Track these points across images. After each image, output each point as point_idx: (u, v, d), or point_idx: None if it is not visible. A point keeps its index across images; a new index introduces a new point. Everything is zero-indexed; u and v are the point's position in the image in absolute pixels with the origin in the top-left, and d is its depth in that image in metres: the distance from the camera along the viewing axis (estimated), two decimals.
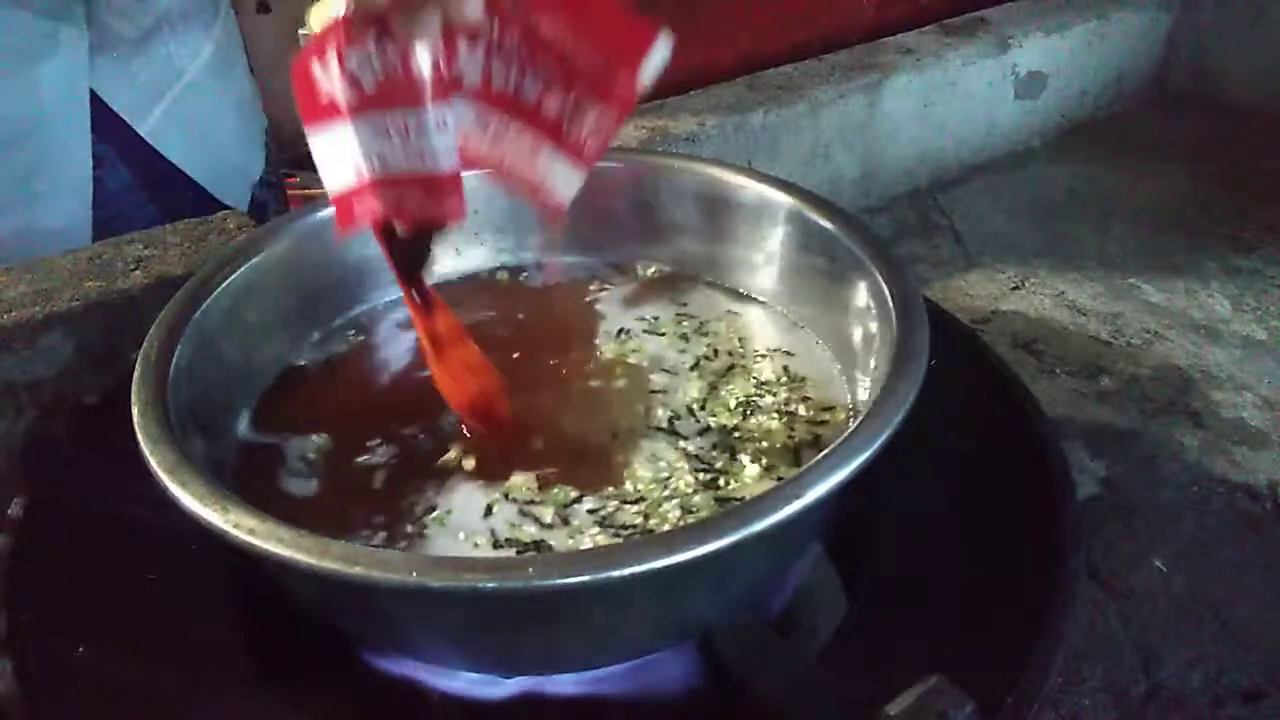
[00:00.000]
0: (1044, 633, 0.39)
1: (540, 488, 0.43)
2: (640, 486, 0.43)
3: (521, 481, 0.43)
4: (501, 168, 0.42)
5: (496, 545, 0.41)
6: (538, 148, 0.42)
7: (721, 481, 0.43)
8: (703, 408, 0.47)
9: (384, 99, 0.40)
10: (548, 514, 0.42)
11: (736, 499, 0.42)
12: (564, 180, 0.42)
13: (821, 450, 0.44)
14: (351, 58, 0.39)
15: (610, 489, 0.43)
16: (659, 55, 0.41)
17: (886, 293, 0.44)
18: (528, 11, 0.40)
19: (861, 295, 0.47)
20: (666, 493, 0.42)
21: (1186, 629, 0.47)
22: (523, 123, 0.42)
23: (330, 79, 0.39)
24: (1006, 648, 0.39)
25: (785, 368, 0.49)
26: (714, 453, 0.44)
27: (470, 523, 0.42)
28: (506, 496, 0.42)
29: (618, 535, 0.40)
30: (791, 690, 0.37)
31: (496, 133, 0.42)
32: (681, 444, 0.44)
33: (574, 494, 0.42)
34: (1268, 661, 0.46)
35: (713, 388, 0.48)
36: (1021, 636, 0.39)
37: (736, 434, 0.45)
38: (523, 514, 0.42)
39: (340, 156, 0.40)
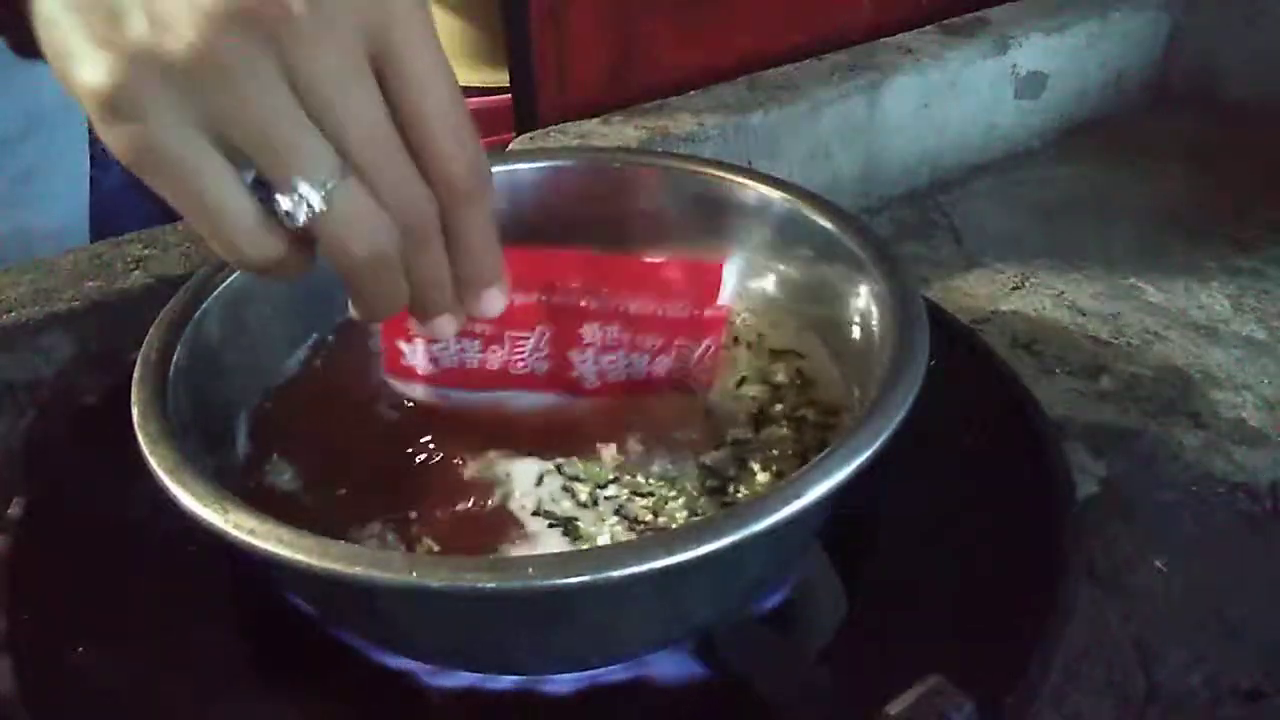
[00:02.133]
0: (1044, 633, 0.39)
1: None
2: (651, 482, 0.43)
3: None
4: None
5: (534, 514, 0.42)
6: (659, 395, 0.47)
7: (730, 489, 0.43)
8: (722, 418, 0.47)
9: (462, 379, 0.46)
10: (584, 491, 0.42)
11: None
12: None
13: None
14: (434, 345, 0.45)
15: (626, 476, 0.43)
16: (730, 278, 0.45)
17: (886, 293, 0.44)
18: (616, 301, 0.45)
19: (861, 295, 0.47)
20: (673, 491, 0.42)
21: (1186, 629, 0.47)
22: (640, 392, 0.47)
23: (414, 353, 0.46)
24: (1006, 648, 0.39)
25: (799, 370, 0.49)
26: (724, 458, 0.44)
27: (524, 488, 0.43)
28: (559, 470, 0.44)
29: (632, 528, 0.41)
30: (791, 690, 0.37)
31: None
32: (700, 458, 0.44)
33: (610, 476, 0.43)
34: (1268, 661, 0.46)
35: (733, 382, 0.48)
36: (1021, 636, 0.39)
37: (750, 445, 0.45)
38: (565, 489, 0.43)
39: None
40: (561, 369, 0.46)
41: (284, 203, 0.31)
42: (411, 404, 0.47)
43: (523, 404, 0.47)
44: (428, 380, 0.47)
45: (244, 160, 0.31)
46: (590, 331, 0.45)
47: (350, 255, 0.33)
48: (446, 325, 0.38)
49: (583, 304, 0.45)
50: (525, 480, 0.43)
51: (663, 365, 0.46)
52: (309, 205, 0.31)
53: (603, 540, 0.40)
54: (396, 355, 0.46)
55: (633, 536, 0.40)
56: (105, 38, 0.29)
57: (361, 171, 0.31)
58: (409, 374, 0.47)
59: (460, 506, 0.42)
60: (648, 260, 0.46)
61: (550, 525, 0.41)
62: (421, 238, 0.34)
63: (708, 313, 0.45)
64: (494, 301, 0.38)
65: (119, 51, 0.29)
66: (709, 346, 0.46)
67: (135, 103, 0.29)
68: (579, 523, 0.41)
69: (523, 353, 0.46)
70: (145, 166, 0.30)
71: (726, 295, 0.45)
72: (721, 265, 0.45)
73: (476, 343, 0.46)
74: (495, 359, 0.46)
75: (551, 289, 0.45)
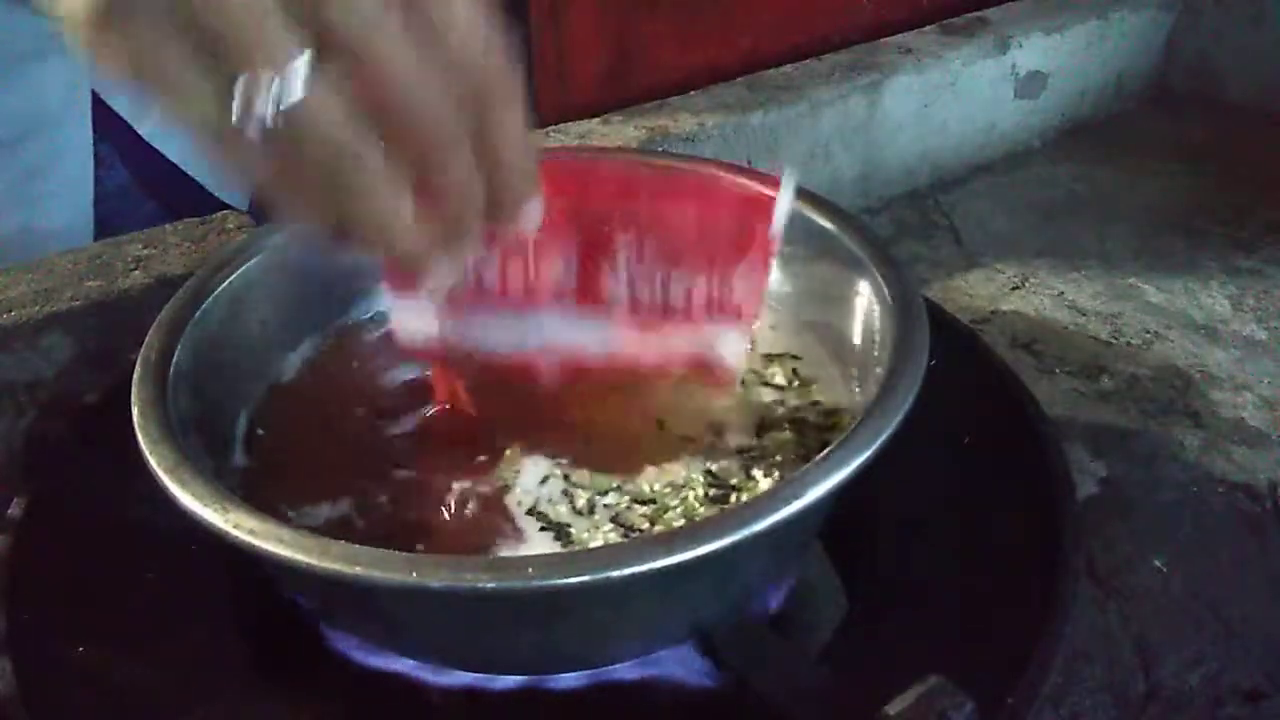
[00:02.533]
0: (1044, 633, 0.39)
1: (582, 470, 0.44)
2: (655, 488, 0.43)
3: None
4: (663, 361, 0.43)
5: (528, 512, 0.42)
6: (697, 332, 0.42)
7: (733, 498, 0.42)
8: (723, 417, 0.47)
9: (478, 299, 0.42)
10: (582, 498, 0.42)
11: None
12: (731, 345, 0.42)
13: None
14: None
15: (629, 485, 0.43)
16: (785, 199, 0.41)
17: (886, 293, 0.44)
18: (656, 214, 0.41)
19: (861, 295, 0.47)
20: (675, 501, 0.42)
21: (1186, 629, 0.47)
22: (676, 320, 0.42)
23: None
24: (1006, 648, 0.39)
25: (795, 370, 0.49)
26: (730, 468, 0.44)
27: (529, 486, 0.43)
28: (567, 479, 0.43)
29: (627, 537, 0.41)
30: (791, 690, 0.37)
31: (649, 340, 0.43)
32: (706, 463, 0.44)
33: (614, 483, 0.43)
34: (1268, 661, 0.46)
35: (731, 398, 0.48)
36: (1021, 636, 0.39)
37: (753, 452, 0.45)
38: (565, 493, 0.42)
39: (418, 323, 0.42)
40: (591, 286, 0.41)
41: (245, 107, 0.29)
42: (411, 405, 0.47)
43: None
44: (437, 304, 0.42)
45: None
46: (624, 243, 0.40)
47: (308, 157, 0.29)
48: (447, 271, 0.34)
49: (619, 214, 0.40)
50: (529, 478, 0.43)
51: (701, 295, 0.41)
52: (268, 109, 0.28)
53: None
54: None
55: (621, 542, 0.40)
56: None
57: (359, 61, 0.29)
58: (409, 286, 0.40)
59: (456, 502, 0.42)
60: (694, 171, 0.42)
61: (542, 529, 0.41)
62: (441, 132, 0.31)
63: (758, 234, 0.40)
64: (530, 215, 0.35)
65: None
66: (756, 275, 0.41)
67: (119, 15, 0.28)
68: (571, 529, 0.41)
69: (548, 265, 0.41)
70: (138, 80, 0.29)
71: (781, 217, 0.40)
72: (778, 182, 0.41)
73: (495, 255, 0.41)
74: (517, 275, 0.41)
75: (585, 196, 0.40)
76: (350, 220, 0.31)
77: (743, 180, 0.41)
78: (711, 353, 0.43)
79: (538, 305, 0.42)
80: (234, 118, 0.29)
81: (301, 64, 0.28)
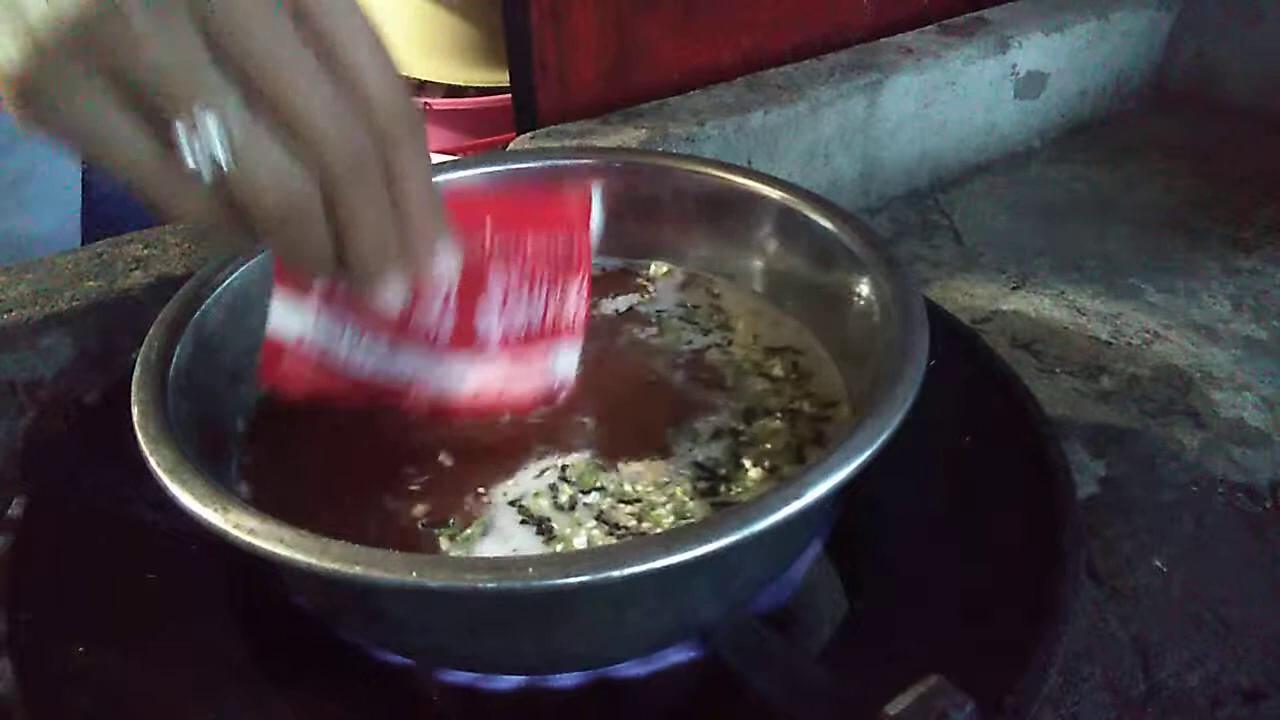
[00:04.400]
0: (1044, 633, 0.39)
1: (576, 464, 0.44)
2: (639, 488, 0.43)
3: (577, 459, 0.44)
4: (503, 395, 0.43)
5: (511, 504, 0.42)
6: (533, 355, 0.43)
7: (722, 488, 0.43)
8: (714, 410, 0.47)
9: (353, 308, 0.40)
10: (566, 493, 0.42)
11: (735, 504, 0.42)
12: (564, 360, 0.43)
13: (825, 448, 0.44)
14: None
15: (610, 486, 0.43)
16: (597, 217, 0.43)
17: (886, 293, 0.44)
18: (514, 242, 0.41)
19: (861, 295, 0.47)
20: (663, 498, 0.42)
21: (1186, 629, 0.47)
22: (518, 345, 0.43)
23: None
24: (1006, 648, 0.39)
25: (794, 364, 0.49)
26: (718, 457, 0.44)
27: (524, 484, 0.43)
28: (561, 469, 0.43)
29: (612, 534, 0.41)
30: (791, 690, 0.37)
31: (497, 373, 0.43)
32: (691, 451, 0.44)
33: (598, 482, 0.43)
34: (1268, 661, 0.46)
35: (723, 387, 0.48)
36: (1021, 636, 0.39)
37: (743, 438, 0.45)
38: (551, 487, 0.43)
39: (294, 322, 0.41)
40: (465, 326, 0.42)
41: (190, 157, 0.29)
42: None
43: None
44: (316, 295, 0.41)
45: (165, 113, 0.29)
46: (495, 280, 0.42)
47: (262, 207, 0.30)
48: (393, 293, 0.35)
49: (485, 248, 0.41)
50: (524, 474, 0.43)
51: (551, 313, 0.43)
52: (214, 157, 0.29)
53: (579, 543, 0.40)
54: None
55: (613, 541, 0.40)
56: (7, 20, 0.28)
57: (276, 101, 0.29)
58: (299, 288, 0.40)
59: (449, 497, 0.42)
60: (520, 192, 0.43)
61: (523, 522, 0.41)
62: (356, 171, 0.31)
63: (577, 247, 0.42)
64: (445, 258, 0.35)
65: (23, 29, 0.27)
66: (580, 284, 0.43)
67: (45, 83, 0.28)
68: (553, 524, 0.41)
69: (428, 306, 0.41)
70: (68, 138, 0.30)
71: (595, 232, 0.42)
72: (586, 198, 0.42)
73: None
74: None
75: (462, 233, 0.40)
76: (277, 250, 0.33)
77: (552, 198, 0.43)
78: (548, 370, 0.44)
79: (410, 341, 0.42)
80: (184, 163, 0.29)
81: (234, 105, 0.29)
